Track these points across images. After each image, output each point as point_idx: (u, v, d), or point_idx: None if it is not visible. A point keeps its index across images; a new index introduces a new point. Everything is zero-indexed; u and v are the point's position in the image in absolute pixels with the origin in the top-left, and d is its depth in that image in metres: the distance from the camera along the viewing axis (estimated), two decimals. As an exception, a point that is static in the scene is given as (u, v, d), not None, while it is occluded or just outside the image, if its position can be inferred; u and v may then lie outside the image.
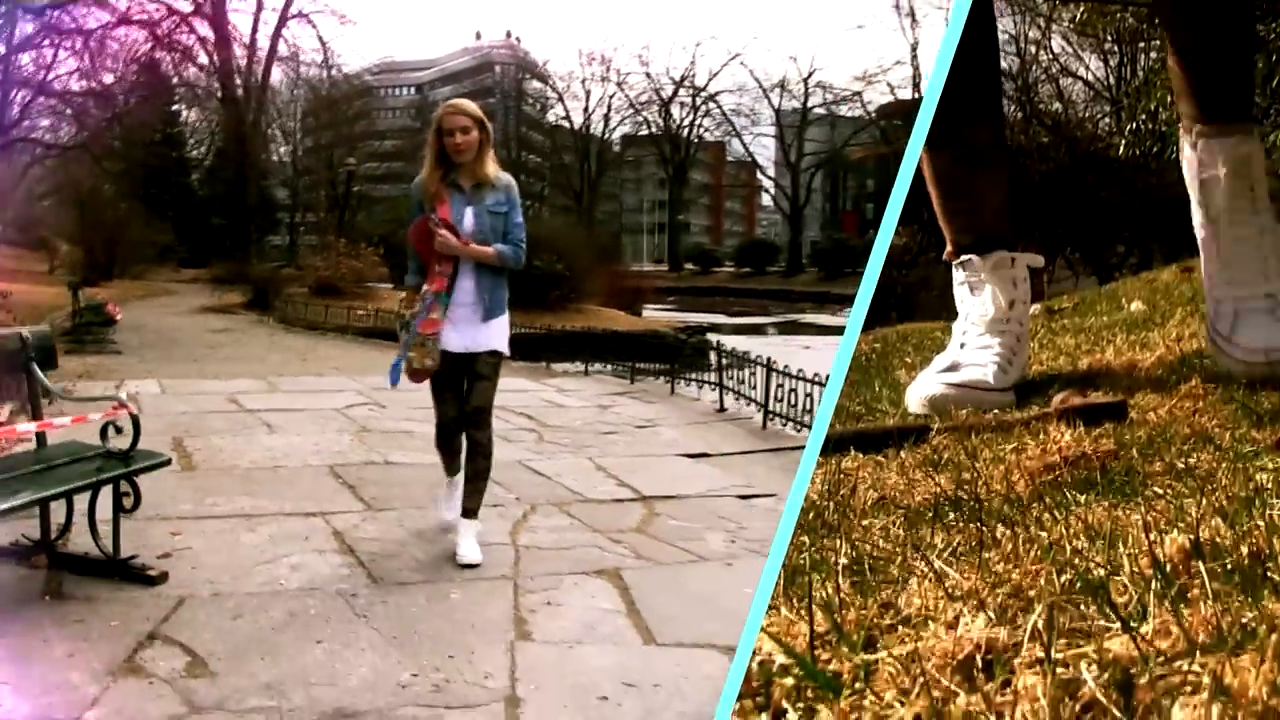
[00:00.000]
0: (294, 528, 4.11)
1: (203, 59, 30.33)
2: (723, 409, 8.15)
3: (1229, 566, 1.17)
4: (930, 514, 1.68)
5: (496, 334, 3.82)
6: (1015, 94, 23.18)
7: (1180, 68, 2.51)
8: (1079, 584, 1.17)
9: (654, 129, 43.91)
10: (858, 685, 1.03)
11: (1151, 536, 1.27)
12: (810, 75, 41.85)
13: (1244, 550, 1.20)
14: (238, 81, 30.59)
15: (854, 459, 2.12)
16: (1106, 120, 21.22)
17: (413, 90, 45.35)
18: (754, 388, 7.86)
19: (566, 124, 43.83)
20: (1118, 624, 1.04)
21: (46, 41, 24.94)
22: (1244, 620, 1.01)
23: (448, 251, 3.73)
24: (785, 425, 7.16)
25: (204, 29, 29.59)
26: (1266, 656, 0.91)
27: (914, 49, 36.39)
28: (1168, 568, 1.19)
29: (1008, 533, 1.47)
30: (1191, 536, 1.25)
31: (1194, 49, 2.49)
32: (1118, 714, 0.89)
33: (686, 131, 43.76)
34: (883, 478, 1.97)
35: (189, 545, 3.80)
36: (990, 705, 0.94)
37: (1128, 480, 1.75)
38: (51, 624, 3.02)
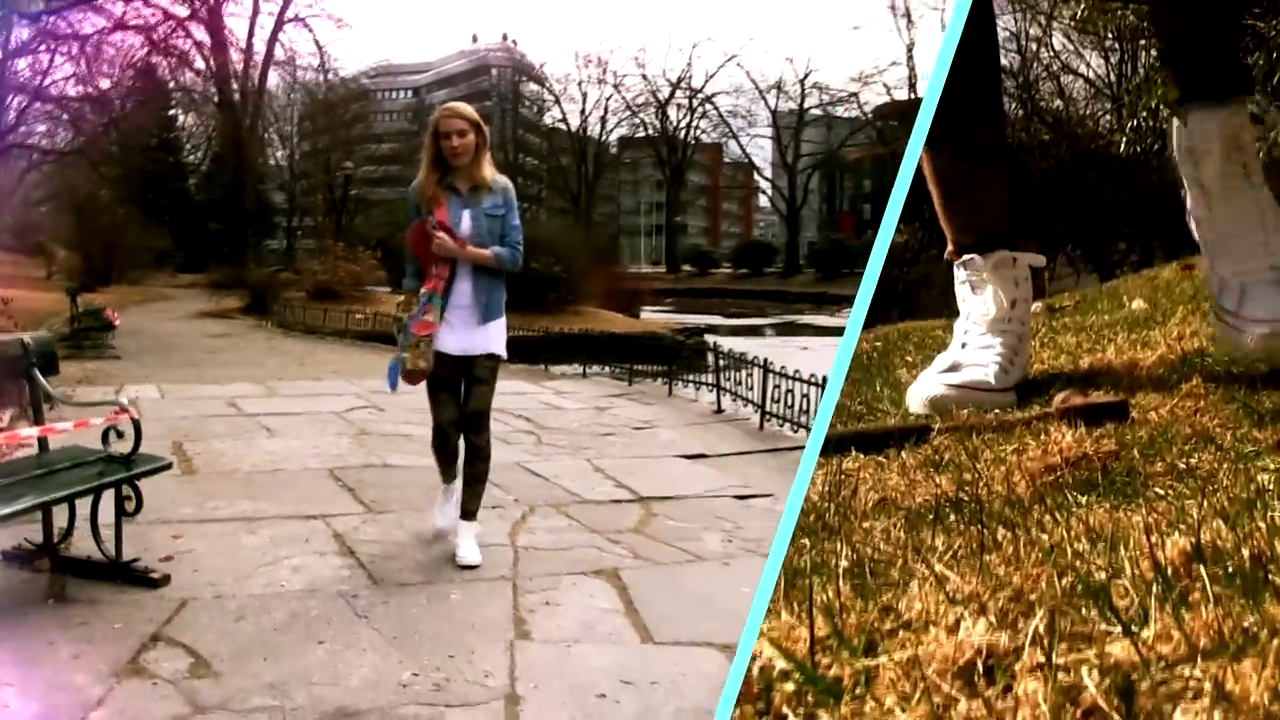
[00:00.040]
0: (294, 530, 4.12)
1: (199, 64, 30.19)
2: (720, 410, 8.16)
3: (1230, 570, 1.16)
4: (931, 516, 1.67)
5: (494, 337, 3.82)
6: (1016, 92, 23.15)
7: (1165, 45, 2.51)
8: (1080, 587, 1.17)
9: (651, 131, 43.77)
10: (858, 691, 1.03)
11: (1153, 539, 1.27)
12: (806, 76, 41.70)
13: (1245, 553, 1.19)
14: (234, 86, 30.49)
15: (855, 459, 2.12)
16: (1107, 118, 21.27)
17: (409, 94, 45.21)
18: (751, 389, 7.86)
19: (563, 126, 43.73)
20: (1119, 628, 1.04)
21: (42, 47, 24.84)
22: (1245, 625, 1.01)
23: (445, 254, 3.73)
24: (782, 426, 7.17)
25: (200, 34, 29.49)
26: (1268, 662, 0.91)
27: (910, 50, 36.40)
28: (1169, 571, 1.18)
29: (1009, 535, 1.46)
30: (1193, 539, 1.24)
31: (1179, 30, 2.49)
32: (1119, 720, 0.89)
33: (683, 133, 43.64)
34: (884, 479, 1.97)
35: (191, 548, 3.82)
36: (991, 711, 0.94)
37: (1129, 481, 1.74)
38: (56, 627, 3.04)
